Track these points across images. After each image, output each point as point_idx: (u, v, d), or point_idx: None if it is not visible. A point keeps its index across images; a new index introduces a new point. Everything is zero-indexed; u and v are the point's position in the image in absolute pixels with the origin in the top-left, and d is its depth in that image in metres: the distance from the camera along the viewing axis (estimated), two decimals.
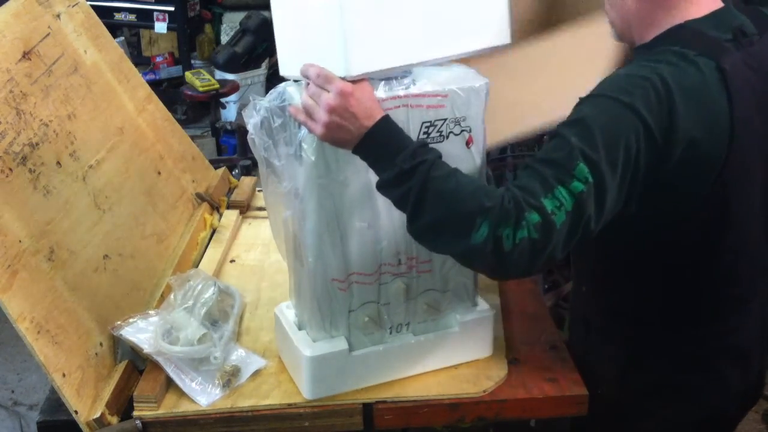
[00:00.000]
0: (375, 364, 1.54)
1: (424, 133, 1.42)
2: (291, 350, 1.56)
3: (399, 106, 1.39)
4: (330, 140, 1.34)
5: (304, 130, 1.37)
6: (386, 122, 1.32)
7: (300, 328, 1.55)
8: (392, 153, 1.29)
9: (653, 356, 1.50)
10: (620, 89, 1.29)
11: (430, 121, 1.42)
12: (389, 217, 1.45)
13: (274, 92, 1.42)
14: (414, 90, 1.40)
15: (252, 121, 1.42)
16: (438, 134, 1.43)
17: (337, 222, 1.43)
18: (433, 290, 1.55)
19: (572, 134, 1.26)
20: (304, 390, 1.53)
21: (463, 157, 1.45)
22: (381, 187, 1.33)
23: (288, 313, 1.60)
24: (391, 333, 1.55)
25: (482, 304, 1.62)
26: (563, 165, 1.25)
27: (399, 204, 1.32)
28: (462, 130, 1.44)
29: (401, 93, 1.39)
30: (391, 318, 1.54)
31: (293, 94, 1.40)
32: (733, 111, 1.31)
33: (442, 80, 1.44)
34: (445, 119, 1.43)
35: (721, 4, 1.40)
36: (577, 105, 1.32)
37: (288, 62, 1.48)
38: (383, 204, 1.43)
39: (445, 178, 1.27)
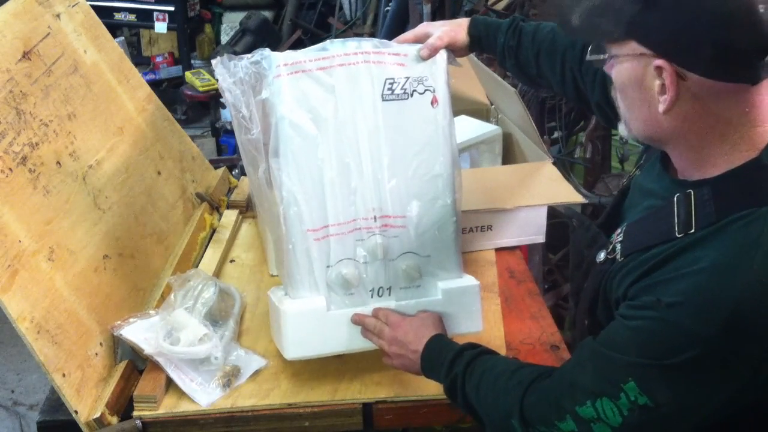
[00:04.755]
0: (356, 327, 1.53)
1: (388, 89, 1.50)
2: (275, 316, 1.56)
3: (360, 62, 1.48)
4: (402, 369, 1.49)
5: (270, 77, 1.43)
6: (431, 341, 1.42)
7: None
8: (439, 371, 1.38)
9: None
10: None
11: (393, 78, 1.50)
12: (359, 172, 1.49)
13: (254, 53, 1.47)
14: (374, 48, 1.50)
15: (224, 81, 1.49)
16: (402, 91, 1.51)
17: (308, 170, 1.46)
18: (411, 253, 1.54)
19: None
20: (284, 350, 1.52)
21: (428, 117, 1.53)
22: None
23: (279, 291, 1.59)
24: (372, 297, 1.54)
25: (467, 278, 1.61)
26: None
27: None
28: (426, 89, 1.52)
29: (361, 50, 1.48)
30: (371, 279, 1.53)
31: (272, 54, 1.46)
32: None
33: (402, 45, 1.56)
34: (408, 77, 1.51)
35: None
36: None
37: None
38: (353, 159, 1.48)
39: (476, 389, 1.32)
